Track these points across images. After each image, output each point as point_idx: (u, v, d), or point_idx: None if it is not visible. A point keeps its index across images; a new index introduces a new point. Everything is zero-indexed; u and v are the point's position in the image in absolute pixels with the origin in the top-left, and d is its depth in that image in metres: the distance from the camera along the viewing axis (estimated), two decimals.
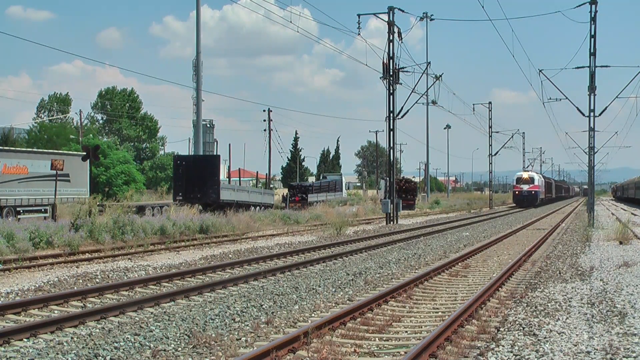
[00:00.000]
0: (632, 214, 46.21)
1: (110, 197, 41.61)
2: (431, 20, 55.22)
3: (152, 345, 8.13)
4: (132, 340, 8.29)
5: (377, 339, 8.73)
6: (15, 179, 28.45)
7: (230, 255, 18.39)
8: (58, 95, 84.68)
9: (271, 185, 66.00)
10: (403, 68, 35.26)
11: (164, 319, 9.44)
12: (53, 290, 12.28)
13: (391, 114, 34.69)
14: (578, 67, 32.23)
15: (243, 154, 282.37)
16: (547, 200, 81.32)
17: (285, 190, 58.40)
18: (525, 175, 68.94)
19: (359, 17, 33.92)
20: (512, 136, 71.89)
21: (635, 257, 17.12)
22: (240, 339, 8.63)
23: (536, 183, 68.03)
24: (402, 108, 35.62)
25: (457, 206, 65.41)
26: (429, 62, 38.99)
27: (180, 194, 35.20)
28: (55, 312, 10.46)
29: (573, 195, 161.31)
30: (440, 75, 39.45)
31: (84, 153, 28.96)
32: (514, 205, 70.61)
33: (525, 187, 66.95)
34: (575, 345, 7.88)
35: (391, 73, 34.20)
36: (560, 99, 34.94)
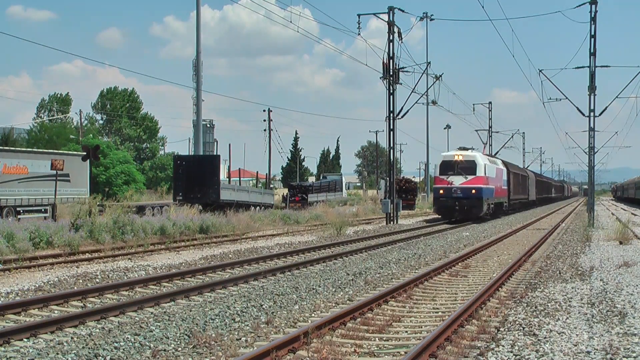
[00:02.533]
0: (632, 214, 46.23)
1: (110, 197, 41.57)
2: (431, 20, 55.11)
3: (152, 345, 8.13)
4: (132, 340, 8.29)
5: (377, 339, 8.73)
6: (15, 179, 28.46)
7: (230, 255, 18.38)
8: (58, 95, 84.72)
9: (271, 185, 66.01)
10: (403, 68, 35.27)
11: (164, 319, 9.43)
12: (53, 290, 12.28)
13: (391, 114, 34.68)
14: (578, 67, 32.26)
15: (243, 154, 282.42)
16: (516, 205, 50.86)
17: (285, 190, 58.41)
18: (458, 156, 36.06)
19: (359, 17, 33.95)
20: (512, 136, 71.60)
21: (635, 257, 17.12)
22: (240, 339, 8.63)
23: (480, 173, 35.49)
24: (402, 108, 35.62)
25: None
26: (429, 62, 38.99)
27: (180, 194, 35.21)
28: (55, 312, 10.46)
29: (570, 195, 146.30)
30: (440, 75, 39.39)
31: (84, 153, 28.97)
32: (437, 217, 38.51)
33: (457, 182, 35.27)
34: (575, 345, 7.88)
35: (391, 73, 34.20)
36: (560, 99, 34.94)
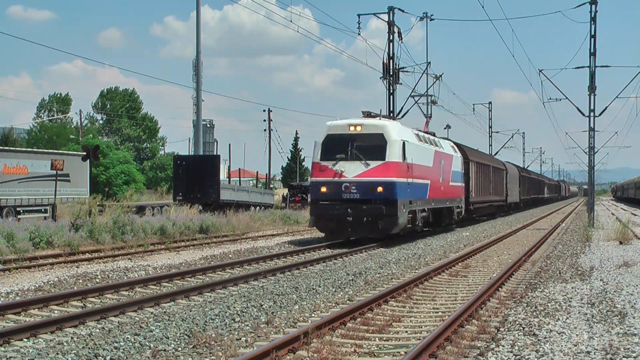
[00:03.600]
0: (632, 214, 46.25)
1: (110, 197, 41.61)
2: (431, 20, 54.77)
3: (152, 345, 8.13)
4: (132, 340, 8.29)
5: (377, 339, 8.73)
6: (15, 179, 28.48)
7: (230, 255, 18.39)
8: (58, 95, 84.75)
9: (271, 185, 66.04)
10: (403, 68, 35.28)
11: (164, 319, 9.43)
12: (53, 290, 12.28)
13: (391, 114, 34.69)
14: (578, 67, 32.30)
15: (243, 154, 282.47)
16: (484, 209, 38.06)
17: (285, 190, 58.43)
18: (354, 127, 20.94)
19: (359, 17, 33.90)
20: (512, 136, 71.66)
21: (635, 257, 17.12)
22: (240, 339, 8.63)
23: (394, 158, 20.54)
24: (402, 108, 35.58)
25: None
26: (429, 62, 38.83)
27: (180, 194, 35.23)
28: (55, 312, 10.46)
29: (568, 196, 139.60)
30: (440, 75, 39.30)
31: (84, 153, 29.00)
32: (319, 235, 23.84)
33: (352, 173, 20.38)
34: (575, 345, 7.88)
35: (391, 73, 34.20)
36: (560, 99, 34.97)
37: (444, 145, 28.37)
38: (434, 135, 28.86)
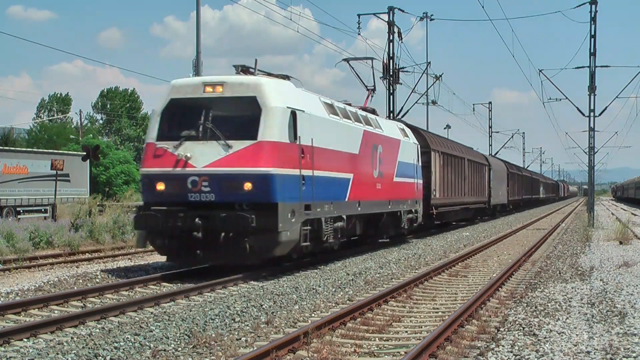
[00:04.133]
0: (632, 214, 46.29)
1: (110, 197, 41.62)
2: (431, 20, 54.72)
3: (152, 345, 8.13)
4: (132, 340, 8.28)
5: (377, 339, 8.73)
6: (15, 179, 28.50)
7: None
8: (58, 95, 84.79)
9: None
10: (403, 68, 35.26)
11: (164, 319, 9.43)
12: (53, 290, 12.28)
13: (391, 114, 34.67)
14: (578, 67, 32.40)
15: None
16: (455, 213, 30.42)
17: None
18: (213, 88, 13.48)
19: (359, 17, 33.87)
20: (512, 136, 71.71)
21: (635, 257, 17.13)
22: (240, 339, 8.63)
23: (273, 136, 13.00)
24: (402, 108, 35.54)
25: None
26: (429, 62, 38.75)
27: None
28: (55, 312, 10.46)
29: (567, 196, 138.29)
30: (440, 75, 39.27)
31: (84, 153, 29.01)
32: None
33: (203, 160, 12.95)
34: (575, 345, 7.88)
35: (391, 73, 34.19)
36: (560, 99, 35.08)
37: (384, 125, 20.30)
38: (373, 112, 20.54)
